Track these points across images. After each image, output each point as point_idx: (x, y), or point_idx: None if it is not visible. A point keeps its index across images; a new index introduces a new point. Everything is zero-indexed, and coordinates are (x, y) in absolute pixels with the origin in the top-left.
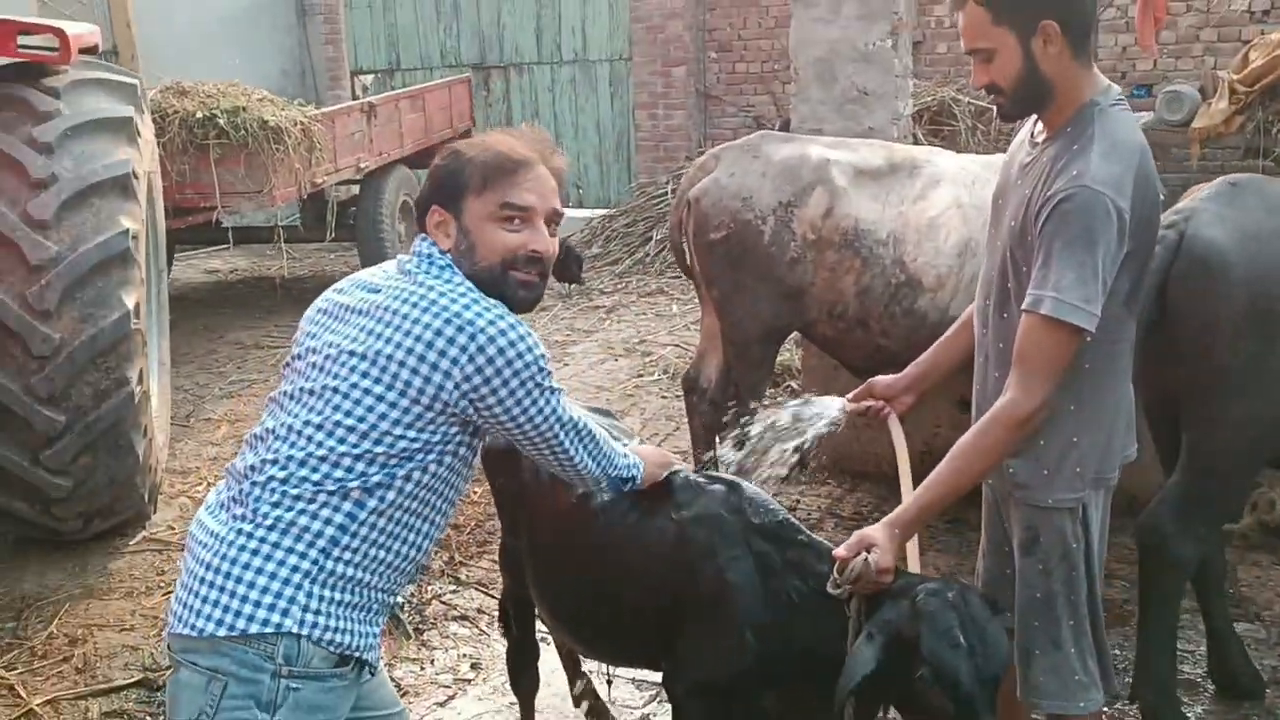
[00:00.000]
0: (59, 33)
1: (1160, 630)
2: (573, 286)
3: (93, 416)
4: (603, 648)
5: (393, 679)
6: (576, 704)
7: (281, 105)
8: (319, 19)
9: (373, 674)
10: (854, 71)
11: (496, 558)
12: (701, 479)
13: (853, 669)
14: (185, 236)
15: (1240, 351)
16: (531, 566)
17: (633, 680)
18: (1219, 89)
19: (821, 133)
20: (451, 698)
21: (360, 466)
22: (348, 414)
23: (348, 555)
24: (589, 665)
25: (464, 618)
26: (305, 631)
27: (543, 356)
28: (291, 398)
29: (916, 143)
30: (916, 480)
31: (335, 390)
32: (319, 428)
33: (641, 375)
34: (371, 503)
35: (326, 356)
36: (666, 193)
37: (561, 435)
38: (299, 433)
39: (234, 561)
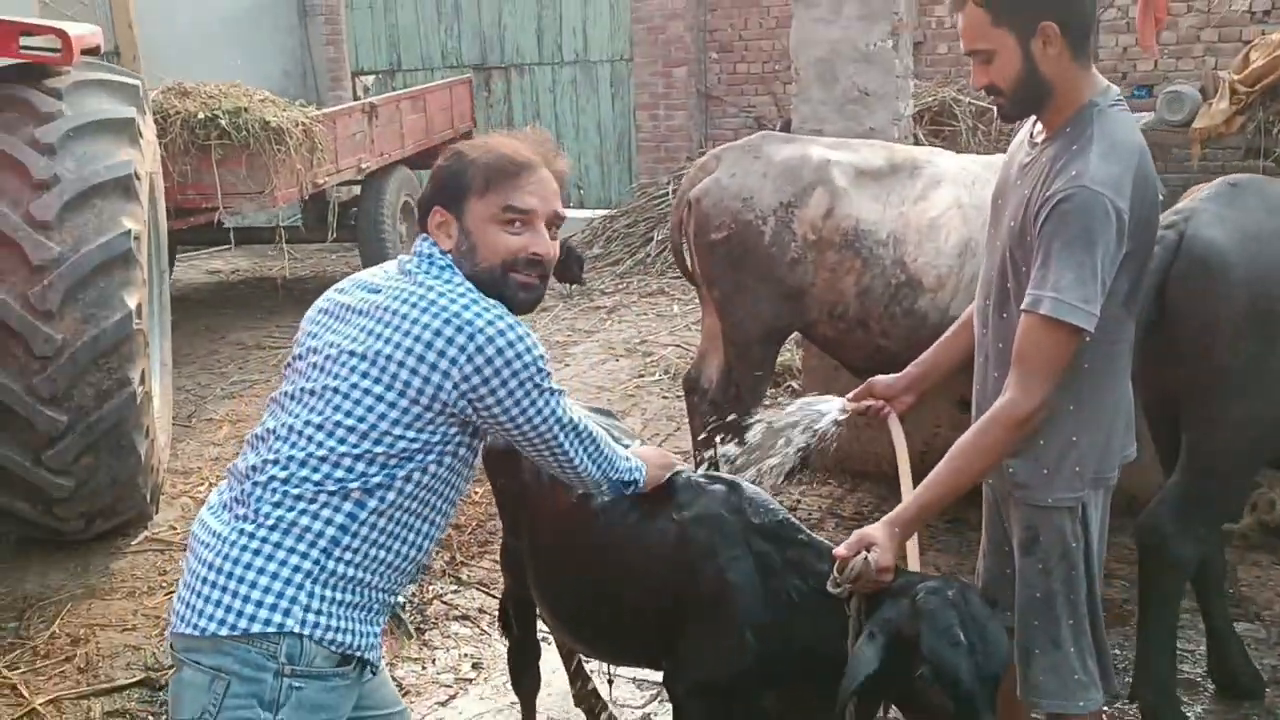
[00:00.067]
0: (61, 34)
1: (1160, 630)
2: (574, 287)
3: (95, 417)
4: (603, 647)
5: (394, 678)
6: (577, 703)
7: (283, 106)
8: (320, 20)
9: (374, 673)
10: (855, 72)
11: (498, 558)
12: (702, 479)
13: (855, 669)
14: (187, 237)
15: (1240, 352)
16: (532, 566)
17: (633, 680)
18: (1220, 89)
19: (822, 133)
20: (453, 697)
21: (360, 467)
22: (348, 414)
23: (349, 555)
24: (590, 665)
25: (465, 617)
26: (307, 631)
27: (542, 357)
28: (292, 398)
29: (917, 143)
30: (916, 480)
31: (335, 390)
32: (319, 428)
33: (642, 375)
34: (372, 503)
35: (327, 357)
36: (667, 193)
37: (561, 437)
38: (299, 433)
39: (236, 561)
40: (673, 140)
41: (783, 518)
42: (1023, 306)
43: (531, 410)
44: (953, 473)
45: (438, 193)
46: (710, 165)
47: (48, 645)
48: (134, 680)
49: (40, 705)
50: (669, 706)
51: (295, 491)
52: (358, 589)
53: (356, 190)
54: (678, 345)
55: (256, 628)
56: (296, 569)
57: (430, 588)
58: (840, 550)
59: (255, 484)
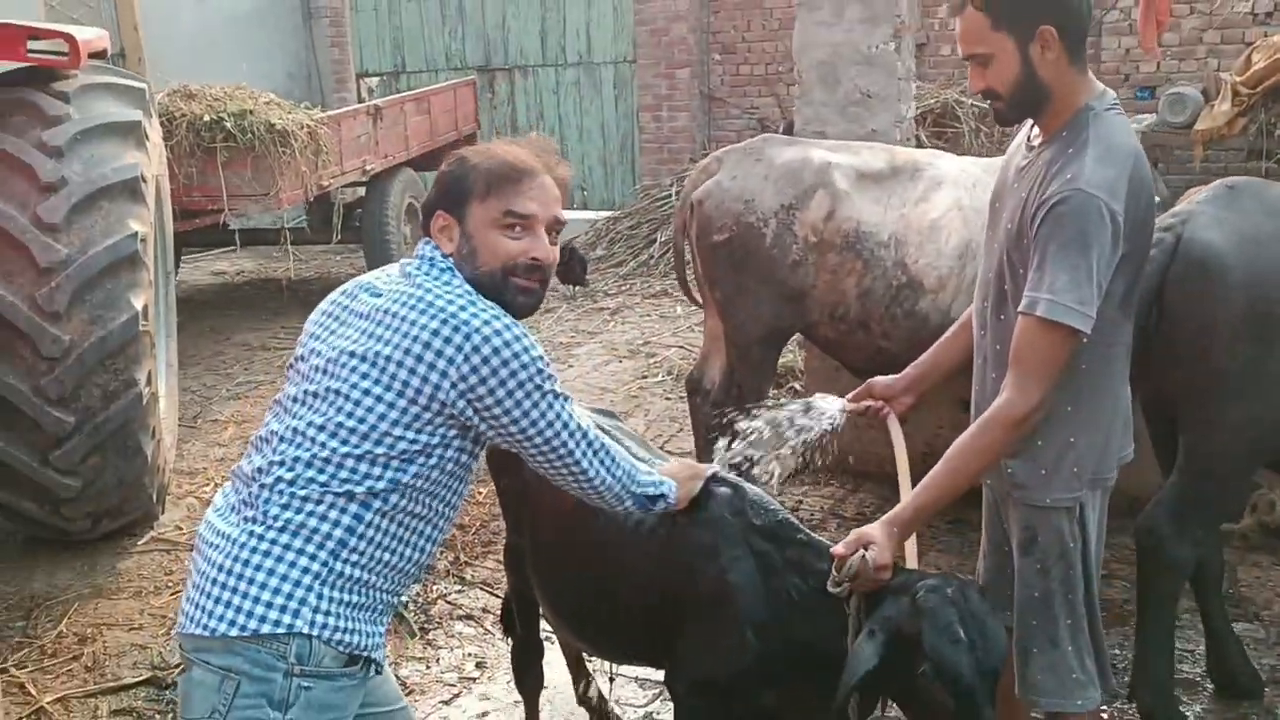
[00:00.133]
0: (69, 38)
1: (1158, 631)
2: (577, 288)
3: (101, 417)
4: (606, 646)
5: (398, 677)
6: (580, 702)
7: (288, 108)
8: (324, 22)
9: (379, 672)
10: (857, 74)
11: (501, 557)
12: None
13: (855, 666)
14: (192, 239)
15: (1238, 354)
16: (535, 566)
17: (635, 679)
18: (1222, 91)
19: (825, 135)
20: (457, 696)
21: (363, 468)
22: (349, 415)
23: (354, 557)
24: (593, 664)
25: (469, 617)
26: (316, 632)
27: (541, 358)
28: (296, 400)
29: (920, 145)
30: (915, 480)
31: (337, 392)
32: (321, 429)
33: (645, 377)
34: (376, 504)
35: (329, 359)
36: (670, 195)
37: (571, 444)
38: (303, 434)
39: (246, 563)
40: (676, 142)
41: (782, 517)
42: (1019, 308)
43: (535, 413)
44: (950, 473)
45: (441, 197)
46: (712, 168)
47: (55, 644)
48: (141, 679)
49: (48, 704)
50: (671, 705)
51: (302, 493)
52: (364, 590)
53: (361, 192)
54: (680, 346)
55: (266, 628)
56: (305, 570)
57: (434, 587)
58: (839, 549)
59: (262, 486)
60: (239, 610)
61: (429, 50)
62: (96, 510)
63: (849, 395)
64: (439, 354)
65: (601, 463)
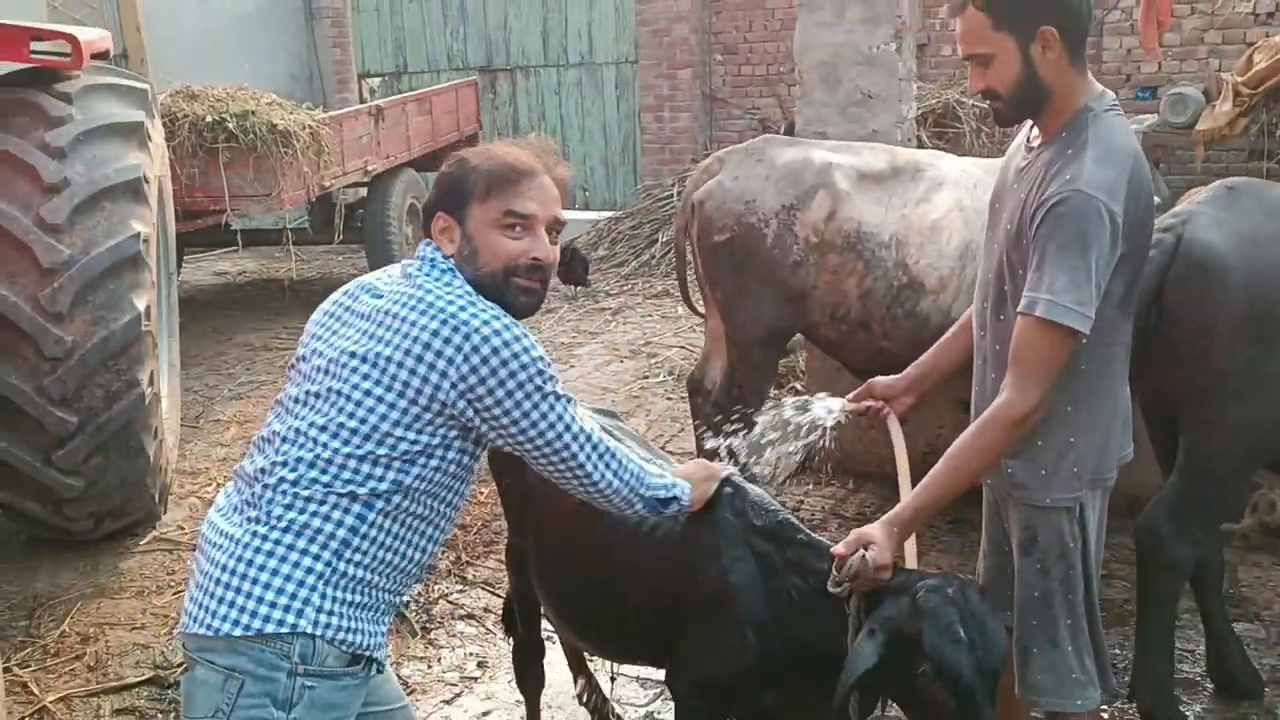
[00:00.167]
0: (71, 39)
1: (1158, 631)
2: (579, 289)
3: (104, 418)
4: (607, 646)
5: (400, 677)
6: (581, 702)
7: (290, 109)
8: (326, 22)
9: (380, 671)
10: (858, 75)
11: (503, 557)
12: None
13: (854, 664)
14: (195, 239)
15: (1238, 355)
16: (537, 566)
17: (637, 678)
18: (1223, 91)
19: (826, 136)
20: (458, 695)
21: (365, 468)
22: (350, 415)
23: (358, 557)
24: (594, 663)
25: (471, 617)
26: (319, 632)
27: (541, 359)
28: (298, 401)
29: (921, 146)
30: (915, 480)
31: (339, 393)
32: (323, 429)
33: (647, 377)
34: (379, 504)
35: (331, 360)
36: (672, 195)
37: (574, 447)
38: (306, 435)
39: (250, 563)
40: (677, 142)
41: (783, 518)
42: (1018, 309)
43: (535, 415)
44: (950, 473)
45: (441, 198)
46: (713, 168)
47: (58, 644)
48: (143, 678)
49: (50, 703)
50: (672, 705)
51: (305, 494)
52: (367, 590)
53: (363, 192)
54: (682, 347)
55: (271, 628)
56: (309, 570)
57: (436, 587)
58: (838, 549)
59: (265, 486)
60: (243, 610)
61: (431, 51)
62: (99, 510)
63: (849, 395)
64: (439, 354)
65: (607, 466)
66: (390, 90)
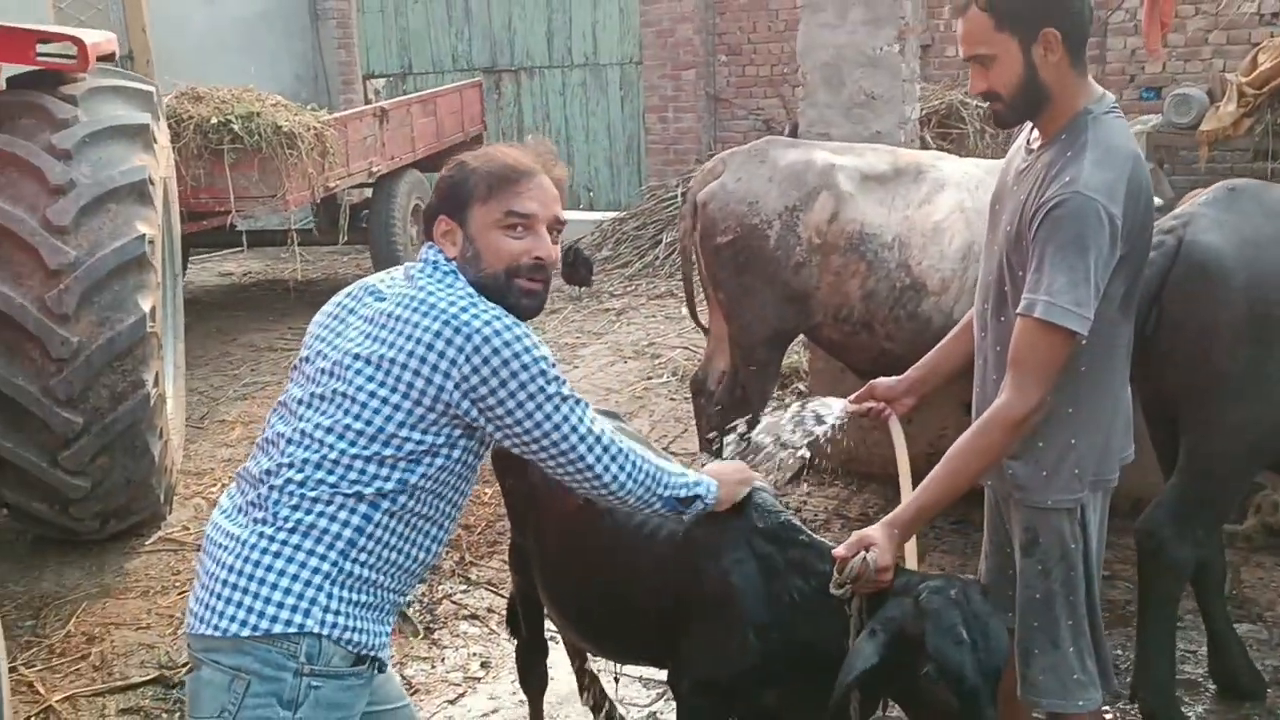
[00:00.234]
0: (77, 41)
1: (1159, 632)
2: (583, 289)
3: (110, 418)
4: (610, 646)
5: (404, 677)
6: (584, 702)
7: (294, 110)
8: (331, 23)
9: (383, 671)
10: (861, 76)
11: (506, 558)
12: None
13: (853, 663)
14: (200, 240)
15: (1239, 356)
16: (540, 566)
17: (639, 678)
18: (1227, 92)
19: (829, 137)
20: (461, 695)
21: (372, 469)
22: (356, 417)
23: (364, 557)
24: (597, 664)
25: (474, 617)
26: (326, 631)
27: (544, 358)
28: (302, 403)
29: (925, 146)
30: (917, 481)
31: (344, 395)
32: (329, 430)
33: (650, 378)
34: (385, 504)
35: (335, 362)
36: (676, 196)
37: (581, 448)
38: (311, 437)
39: (256, 564)
40: (682, 143)
41: (784, 519)
42: (1017, 310)
43: (539, 415)
44: (950, 474)
45: (442, 202)
46: (717, 169)
47: (63, 643)
48: (148, 678)
49: (56, 702)
50: (675, 705)
51: (312, 494)
52: (372, 590)
53: (368, 193)
54: (685, 347)
55: (278, 628)
56: (316, 570)
57: (440, 587)
58: (840, 551)
59: (271, 488)
60: (250, 610)
61: (435, 52)
62: (104, 510)
63: (851, 397)
64: (441, 355)
65: (620, 467)
66: (395, 91)
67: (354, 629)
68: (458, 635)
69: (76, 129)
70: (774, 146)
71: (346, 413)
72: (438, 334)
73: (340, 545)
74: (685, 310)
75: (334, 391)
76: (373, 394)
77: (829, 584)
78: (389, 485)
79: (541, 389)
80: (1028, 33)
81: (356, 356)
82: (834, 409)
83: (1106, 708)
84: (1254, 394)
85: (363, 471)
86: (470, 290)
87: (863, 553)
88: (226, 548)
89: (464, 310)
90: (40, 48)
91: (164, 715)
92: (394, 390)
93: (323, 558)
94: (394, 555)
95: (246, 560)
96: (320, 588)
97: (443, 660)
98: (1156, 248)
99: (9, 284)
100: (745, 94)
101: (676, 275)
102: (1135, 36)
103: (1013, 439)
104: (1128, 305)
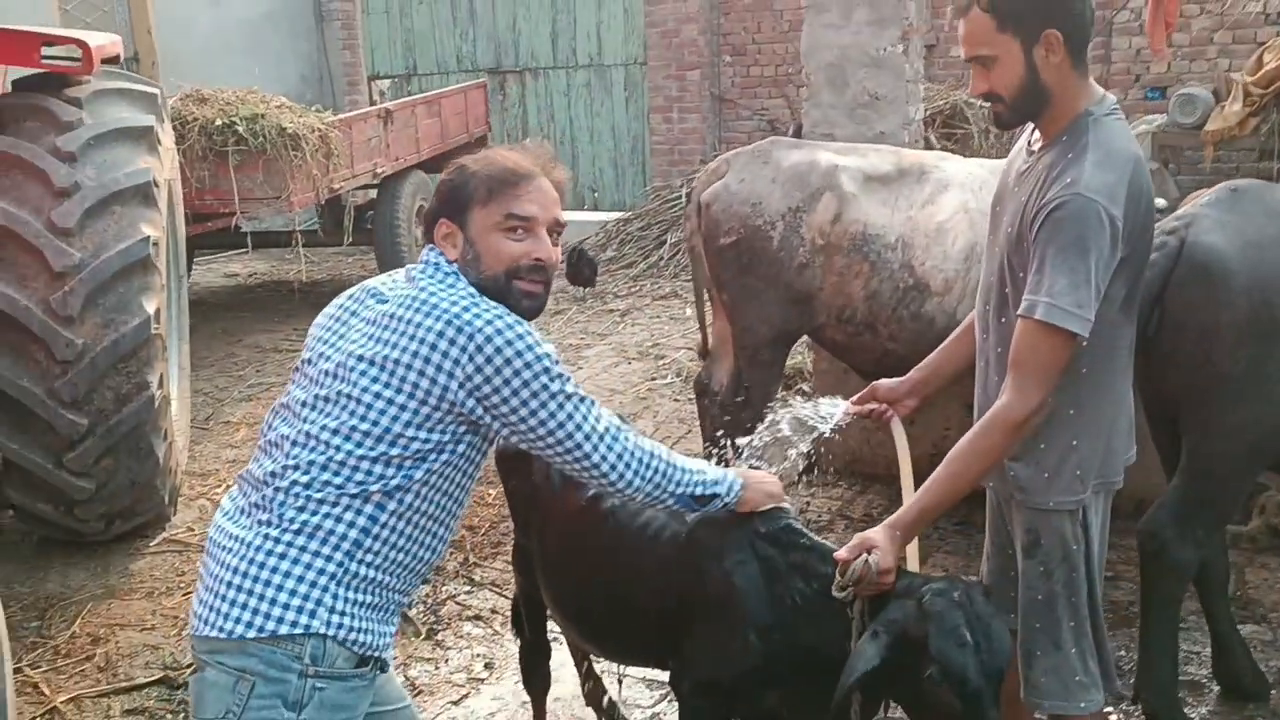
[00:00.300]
0: (82, 44)
1: (1161, 633)
2: (586, 290)
3: (114, 420)
4: (612, 648)
5: (407, 678)
6: (588, 703)
7: (299, 112)
8: (336, 25)
9: (385, 671)
10: (865, 77)
11: (510, 559)
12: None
13: (855, 664)
14: (205, 241)
15: (1241, 358)
16: (543, 567)
17: (643, 679)
18: (1233, 91)
19: (833, 137)
20: (465, 696)
21: (378, 469)
22: (362, 418)
23: (369, 558)
24: (600, 665)
25: (478, 618)
26: (331, 632)
27: (547, 355)
28: (305, 404)
29: (929, 147)
30: (919, 483)
31: (348, 396)
32: (335, 432)
33: (654, 378)
34: (391, 505)
35: (338, 364)
36: (681, 196)
37: (586, 446)
38: (316, 438)
39: (261, 565)
40: (686, 143)
41: (786, 522)
42: (1018, 312)
43: (543, 413)
44: (951, 476)
45: (443, 205)
46: (720, 170)
47: (68, 644)
48: (153, 679)
49: (61, 703)
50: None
51: (318, 495)
52: (377, 590)
53: (372, 194)
54: (690, 348)
55: (284, 629)
56: (321, 571)
57: (443, 588)
58: (841, 553)
59: (276, 489)
60: (255, 612)
61: (440, 53)
62: (109, 512)
63: (853, 398)
64: (445, 355)
65: (626, 464)
66: (400, 92)
67: (359, 630)
68: (461, 636)
69: (81, 131)
70: (777, 147)
71: (351, 414)
72: (440, 334)
73: (346, 546)
74: (690, 311)
75: (338, 393)
76: (378, 395)
77: (831, 586)
78: (394, 483)
79: (545, 386)
80: (1029, 34)
81: (360, 358)
82: (836, 410)
83: (1109, 709)
84: (1255, 395)
85: (369, 472)
86: (472, 290)
87: (865, 555)
88: (230, 549)
89: (466, 310)
90: (45, 50)
91: (169, 716)
92: (399, 391)
93: (328, 559)
94: (399, 555)
95: (251, 562)
96: (325, 589)
97: (446, 661)
98: (1159, 249)
99: (14, 286)
100: (750, 94)
101: (681, 276)
102: (1140, 36)
103: (1014, 440)
104: (1129, 307)
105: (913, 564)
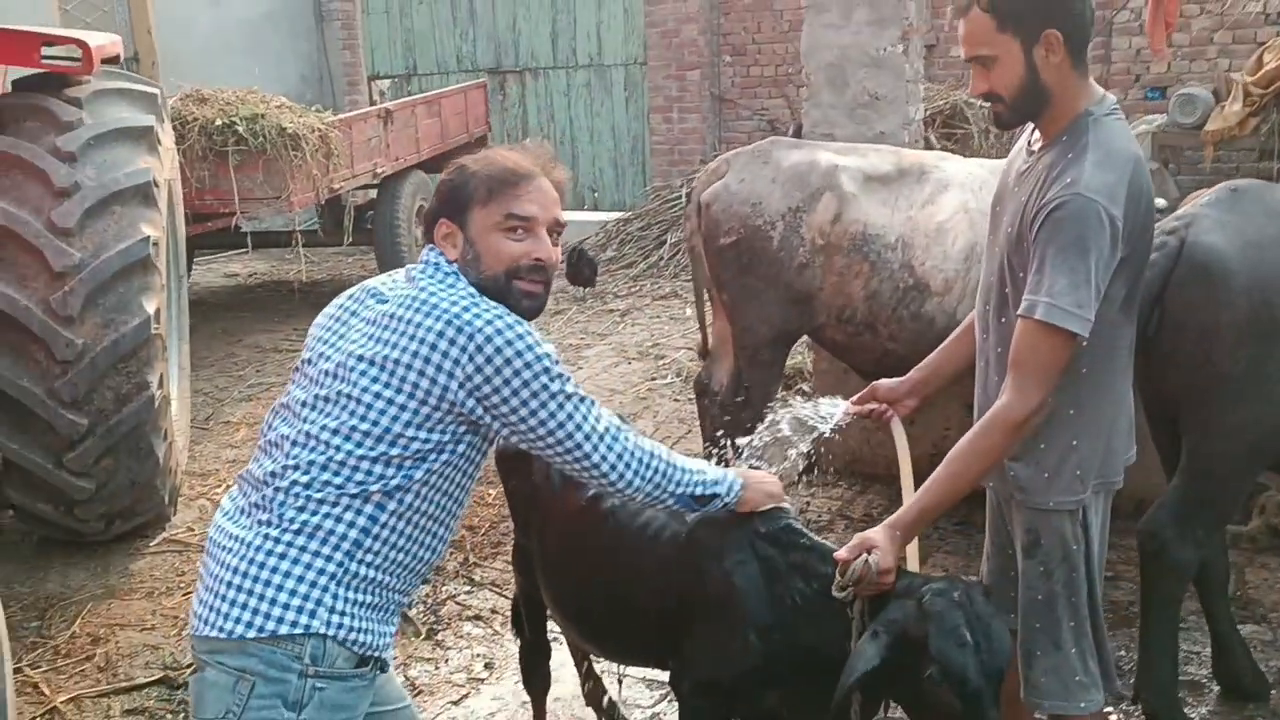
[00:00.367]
0: (82, 44)
1: (1161, 633)
2: (586, 290)
3: (114, 420)
4: (612, 648)
5: (407, 678)
6: (588, 703)
7: (299, 112)
8: (336, 25)
9: (385, 671)
10: (865, 77)
11: (510, 559)
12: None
13: (855, 664)
14: (205, 241)
15: (1240, 358)
16: (543, 567)
17: (643, 679)
18: (1233, 91)
19: (833, 137)
20: (465, 696)
21: (379, 469)
22: (362, 419)
23: (369, 558)
24: (601, 665)
25: (478, 618)
26: (331, 632)
27: (547, 355)
28: (305, 404)
29: (929, 146)
30: (919, 483)
31: (349, 396)
32: (335, 432)
33: (654, 378)
34: (391, 505)
35: (338, 364)
36: (681, 196)
37: (586, 446)
38: (317, 438)
39: (261, 565)
40: (686, 143)
41: (786, 522)
42: (1018, 312)
43: (543, 413)
44: (951, 476)
45: (443, 205)
46: (720, 170)
47: (68, 644)
48: (153, 679)
49: (61, 703)
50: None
51: (318, 495)
52: (377, 590)
53: (372, 194)
54: (690, 348)
55: (284, 629)
56: (321, 571)
57: (443, 588)
58: (841, 553)
59: (277, 489)
60: (255, 612)
61: (440, 53)
62: (109, 512)
63: (853, 398)
64: (445, 355)
65: (625, 464)
66: (400, 92)
67: (359, 630)
68: (461, 636)
69: (81, 131)
70: (777, 147)
71: (352, 414)
72: (440, 334)
73: (346, 546)
74: (690, 311)
75: (338, 393)
76: (378, 395)
77: (831, 586)
78: (394, 483)
79: (545, 386)
80: (1029, 34)
81: (360, 358)
82: (836, 410)
83: (1109, 709)
84: (1255, 395)
85: (369, 472)
86: (472, 290)
87: (865, 555)
88: (230, 549)
89: (466, 310)
90: (45, 50)
91: (169, 716)
92: (399, 391)
93: (328, 559)
94: (399, 555)
95: (251, 562)
96: (326, 589)
97: (446, 661)
98: (1159, 249)
99: (14, 286)
100: (750, 94)
101: (681, 276)
102: (1140, 36)
103: (1013, 440)
104: (1129, 307)
105: (913, 564)
